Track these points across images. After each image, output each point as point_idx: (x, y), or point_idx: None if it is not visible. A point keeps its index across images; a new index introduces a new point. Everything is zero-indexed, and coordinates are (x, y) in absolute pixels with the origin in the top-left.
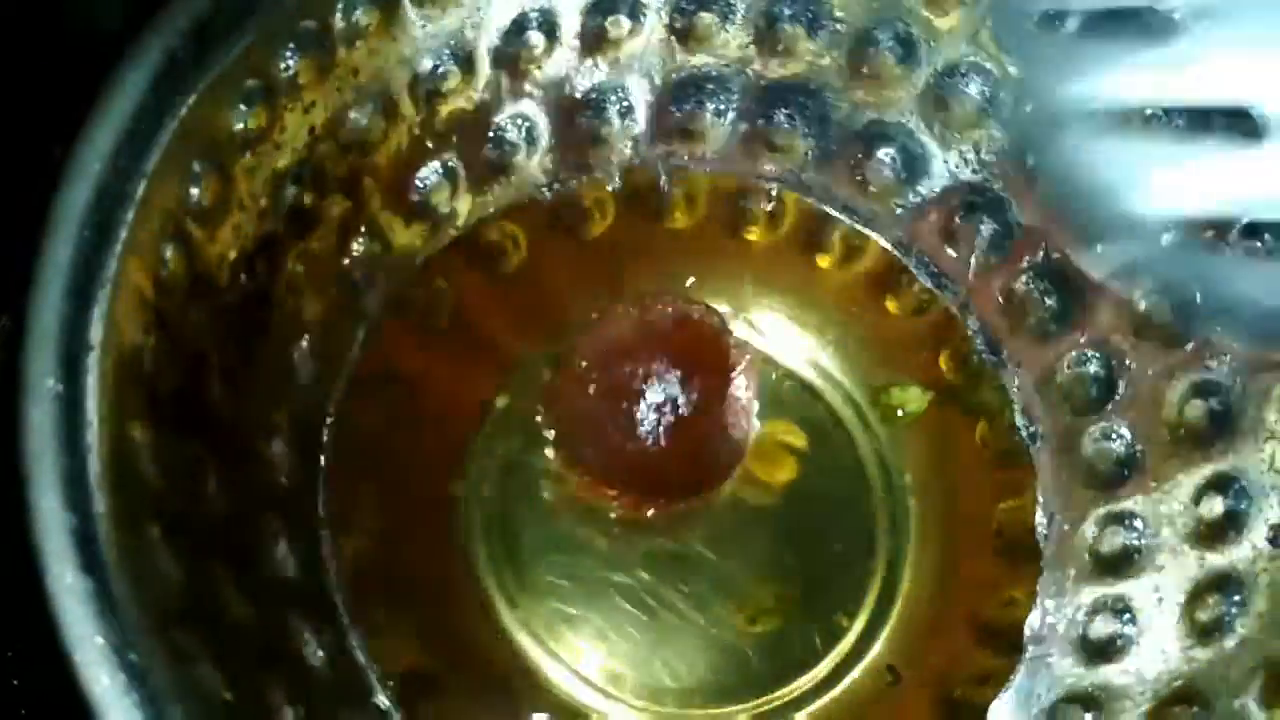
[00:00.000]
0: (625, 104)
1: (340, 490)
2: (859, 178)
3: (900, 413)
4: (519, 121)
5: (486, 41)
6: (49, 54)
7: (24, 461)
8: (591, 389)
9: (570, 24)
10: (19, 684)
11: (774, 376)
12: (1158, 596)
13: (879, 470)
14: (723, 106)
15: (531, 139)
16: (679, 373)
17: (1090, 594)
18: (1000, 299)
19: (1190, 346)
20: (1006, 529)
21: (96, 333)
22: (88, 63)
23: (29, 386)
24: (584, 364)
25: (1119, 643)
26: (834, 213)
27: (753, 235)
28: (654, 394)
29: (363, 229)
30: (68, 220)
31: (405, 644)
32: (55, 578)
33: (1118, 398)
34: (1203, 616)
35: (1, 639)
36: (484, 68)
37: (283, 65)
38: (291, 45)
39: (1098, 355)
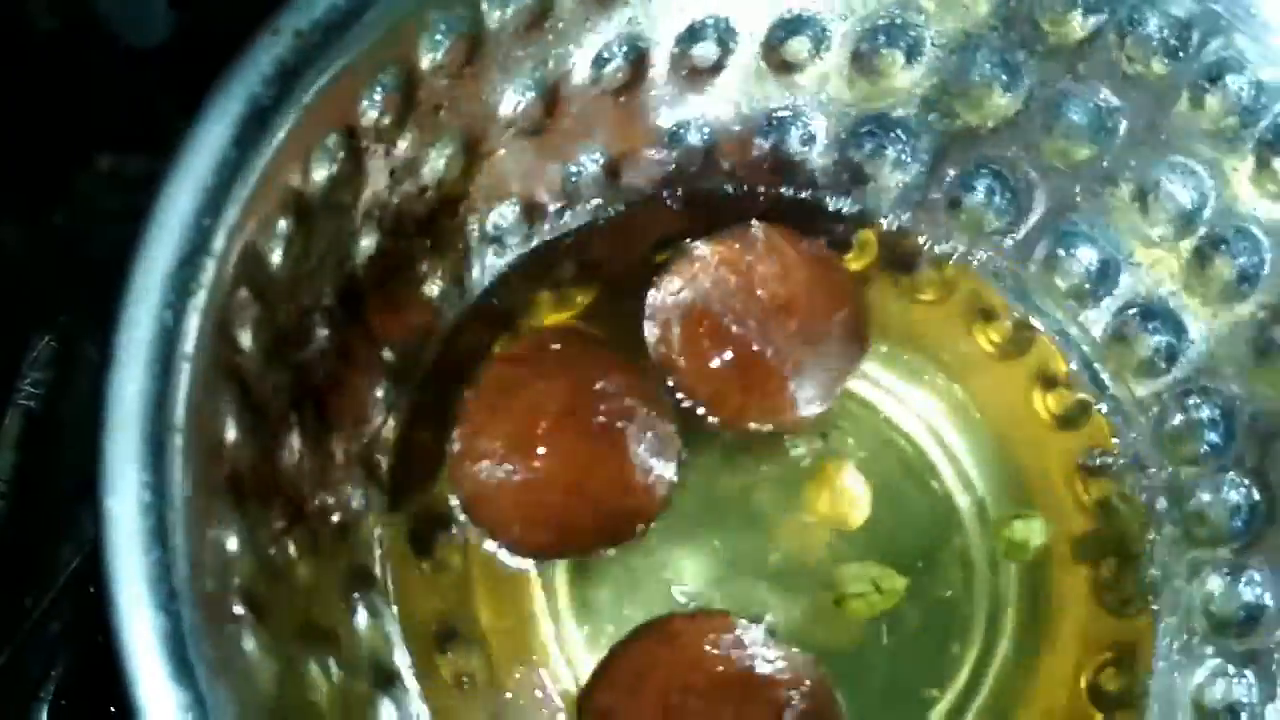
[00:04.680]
0: (708, 131)
1: (418, 539)
2: (956, 206)
3: (1025, 548)
4: (596, 157)
5: (572, 74)
6: (94, 66)
7: (107, 558)
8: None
9: (660, 54)
10: None
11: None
12: None
13: (975, 511)
14: (812, 134)
15: (613, 171)
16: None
17: (1206, 657)
18: (1105, 335)
19: None
20: (1113, 585)
21: (179, 411)
22: (133, 75)
23: (110, 477)
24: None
25: (1240, 711)
26: (928, 244)
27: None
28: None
29: (439, 271)
30: (148, 290)
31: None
32: (148, 691)
33: (1236, 445)
34: None
35: None
36: (567, 102)
37: (365, 107)
38: (374, 86)
39: (1211, 400)
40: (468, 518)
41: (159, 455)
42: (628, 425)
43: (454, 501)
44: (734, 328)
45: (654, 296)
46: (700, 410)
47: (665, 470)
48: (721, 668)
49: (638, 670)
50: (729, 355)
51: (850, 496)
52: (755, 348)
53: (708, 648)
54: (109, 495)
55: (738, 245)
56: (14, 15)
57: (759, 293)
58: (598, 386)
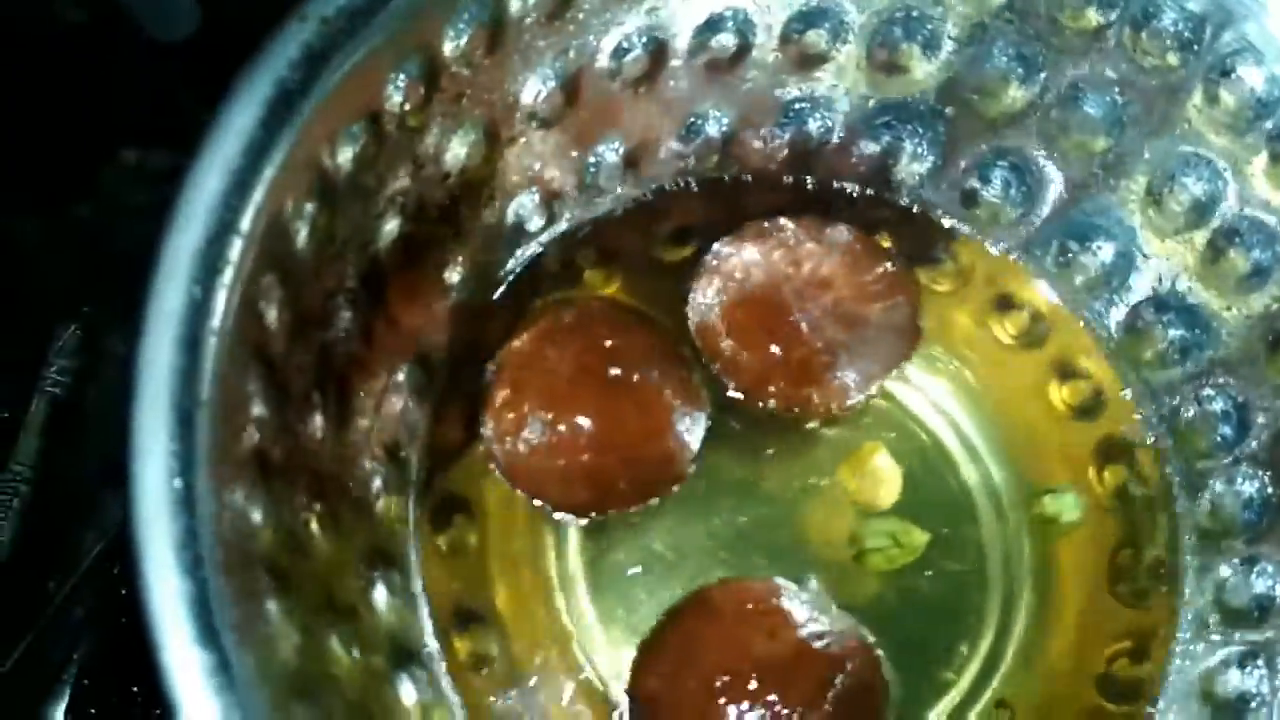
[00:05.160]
0: (726, 122)
1: (436, 522)
2: (972, 199)
3: (1056, 524)
4: (615, 147)
5: (592, 65)
6: (119, 60)
7: (135, 525)
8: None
9: (679, 45)
10: None
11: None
12: None
13: (990, 503)
14: (830, 125)
15: (632, 161)
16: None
17: (1217, 647)
18: (1120, 327)
19: None
20: (1127, 575)
21: (206, 385)
22: (157, 69)
23: (140, 447)
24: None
25: (1251, 701)
26: (943, 236)
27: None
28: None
29: (460, 257)
30: (178, 266)
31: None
32: (174, 653)
33: (1250, 438)
34: None
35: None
36: (587, 92)
37: (389, 93)
38: (398, 73)
39: (1225, 392)
40: (510, 485)
41: (187, 426)
42: (647, 379)
43: (477, 482)
44: (781, 311)
45: (703, 267)
46: (735, 390)
47: (694, 421)
48: (766, 643)
49: (681, 653)
50: (774, 337)
51: (882, 477)
52: (799, 331)
53: (749, 623)
54: (138, 464)
55: (795, 229)
56: (40, 9)
57: (808, 278)
58: (609, 344)
